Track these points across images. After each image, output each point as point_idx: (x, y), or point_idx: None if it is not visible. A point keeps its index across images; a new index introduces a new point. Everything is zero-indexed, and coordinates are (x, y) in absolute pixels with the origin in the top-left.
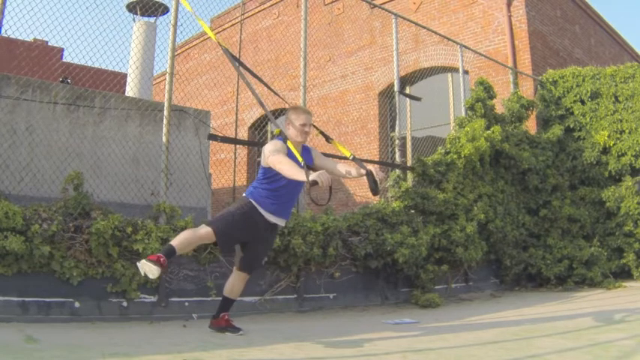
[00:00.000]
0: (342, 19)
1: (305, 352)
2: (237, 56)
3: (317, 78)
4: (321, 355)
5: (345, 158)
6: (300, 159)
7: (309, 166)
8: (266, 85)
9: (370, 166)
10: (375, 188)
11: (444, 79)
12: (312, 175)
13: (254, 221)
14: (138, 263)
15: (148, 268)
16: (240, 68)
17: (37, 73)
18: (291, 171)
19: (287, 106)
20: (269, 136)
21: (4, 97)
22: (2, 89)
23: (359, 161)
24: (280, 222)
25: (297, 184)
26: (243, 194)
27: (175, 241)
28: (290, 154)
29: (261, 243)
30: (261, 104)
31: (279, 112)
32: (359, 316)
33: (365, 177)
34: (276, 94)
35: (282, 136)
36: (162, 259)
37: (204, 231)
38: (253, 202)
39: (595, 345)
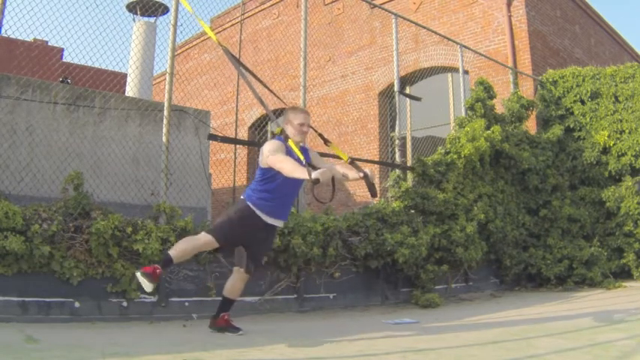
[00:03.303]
0: (342, 19)
1: (305, 352)
2: (238, 56)
3: (317, 78)
4: (321, 355)
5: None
6: (301, 157)
7: (311, 165)
8: (266, 86)
9: (366, 168)
10: (373, 190)
11: (444, 79)
12: (315, 173)
13: (253, 224)
14: (136, 273)
15: (142, 282)
16: (241, 68)
17: (37, 73)
18: (292, 169)
19: (286, 106)
20: (269, 135)
21: (4, 97)
22: (2, 89)
23: (356, 164)
24: (278, 223)
25: (294, 185)
26: (242, 196)
27: (173, 251)
28: (291, 153)
29: (260, 244)
30: (262, 103)
31: (278, 113)
32: (359, 316)
33: (363, 180)
34: (275, 95)
35: (283, 136)
36: (158, 271)
37: (204, 240)
38: (251, 205)
39: (595, 345)
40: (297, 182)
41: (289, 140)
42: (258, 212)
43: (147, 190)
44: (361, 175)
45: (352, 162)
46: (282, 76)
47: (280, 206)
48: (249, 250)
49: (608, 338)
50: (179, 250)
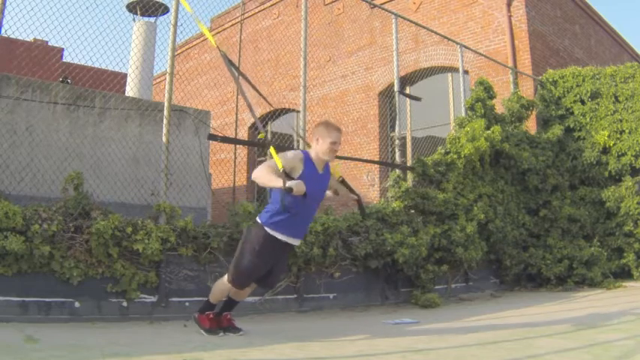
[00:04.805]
0: (342, 19)
1: (305, 352)
2: (238, 56)
3: (317, 78)
4: (321, 355)
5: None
6: (280, 165)
7: (287, 174)
8: (259, 92)
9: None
10: (364, 212)
11: (444, 79)
12: (289, 183)
13: (272, 249)
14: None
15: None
16: (236, 74)
17: (37, 73)
18: (265, 179)
19: (273, 108)
20: (269, 136)
21: (4, 97)
22: (2, 89)
23: (348, 184)
24: (296, 242)
25: (312, 202)
26: (258, 219)
27: (211, 297)
28: (309, 166)
29: (280, 263)
30: (251, 110)
31: (278, 113)
32: (359, 316)
33: (355, 202)
34: (266, 101)
35: (307, 149)
36: (210, 316)
37: (229, 287)
38: (270, 230)
39: (595, 345)
40: (317, 197)
41: (272, 148)
42: (278, 235)
43: (147, 190)
44: (355, 197)
45: (343, 181)
46: (283, 76)
47: (300, 224)
48: (272, 271)
49: (608, 338)
50: (214, 294)
